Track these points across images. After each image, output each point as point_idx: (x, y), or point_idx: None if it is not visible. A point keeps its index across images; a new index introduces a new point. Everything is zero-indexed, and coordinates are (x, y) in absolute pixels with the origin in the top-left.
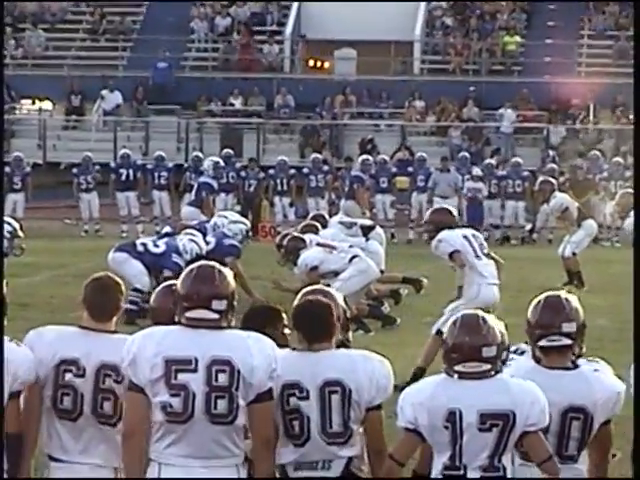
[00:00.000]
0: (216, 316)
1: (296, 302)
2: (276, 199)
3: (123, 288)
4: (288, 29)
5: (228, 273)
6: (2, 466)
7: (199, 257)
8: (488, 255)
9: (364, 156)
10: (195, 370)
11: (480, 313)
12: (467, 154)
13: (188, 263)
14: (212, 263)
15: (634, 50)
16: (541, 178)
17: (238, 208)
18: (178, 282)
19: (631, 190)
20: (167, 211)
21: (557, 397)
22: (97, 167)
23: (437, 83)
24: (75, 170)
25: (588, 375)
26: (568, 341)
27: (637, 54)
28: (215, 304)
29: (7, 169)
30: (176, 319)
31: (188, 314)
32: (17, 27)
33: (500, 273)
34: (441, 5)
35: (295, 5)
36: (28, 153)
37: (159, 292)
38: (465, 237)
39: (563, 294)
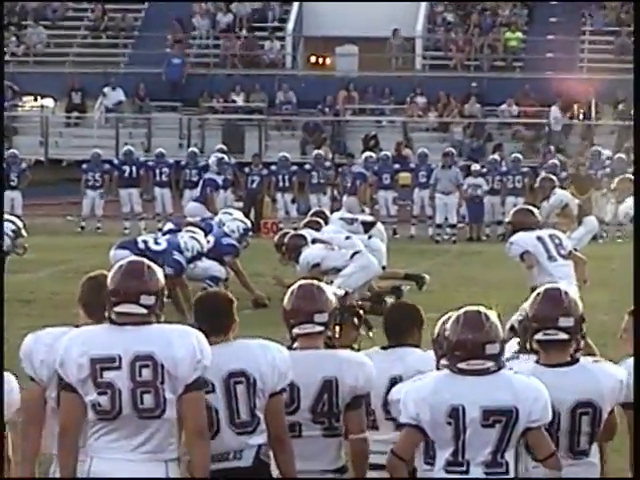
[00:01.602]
0: (144, 311)
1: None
2: (278, 195)
3: None
4: (290, 25)
5: (158, 269)
6: (2, 466)
7: (200, 254)
8: (569, 255)
9: (368, 153)
10: (119, 367)
11: (482, 310)
12: (452, 150)
13: (189, 260)
14: (142, 259)
15: (634, 48)
16: (542, 175)
17: (238, 204)
18: (108, 277)
19: (630, 176)
20: (169, 208)
21: (563, 395)
22: (107, 165)
23: (439, 79)
24: (84, 166)
25: (590, 367)
26: (565, 336)
27: (637, 52)
28: (143, 299)
29: (3, 165)
30: (106, 315)
31: (116, 309)
32: (19, 24)
33: (582, 271)
34: (442, 1)
35: (296, 1)
36: (30, 150)
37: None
38: (539, 238)
39: (563, 287)
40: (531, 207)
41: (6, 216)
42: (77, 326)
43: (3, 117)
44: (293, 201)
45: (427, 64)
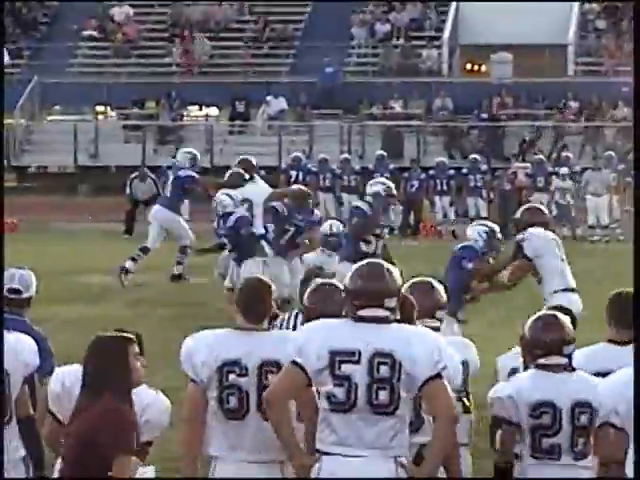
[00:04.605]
0: (387, 314)
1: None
2: (436, 199)
3: (274, 289)
4: (446, 34)
5: (394, 269)
6: (2, 465)
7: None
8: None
9: (537, 156)
10: (358, 362)
11: (558, 313)
12: (612, 153)
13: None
14: (380, 261)
15: (634, 48)
16: None
17: (397, 208)
18: (347, 279)
19: None
20: (332, 212)
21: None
22: (262, 172)
23: (591, 84)
24: None
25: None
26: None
27: (637, 52)
28: (387, 302)
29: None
30: (343, 312)
31: (360, 312)
32: (183, 35)
33: None
34: (594, 8)
35: (452, 10)
36: None
37: (316, 293)
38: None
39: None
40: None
41: None
42: (236, 328)
43: (3, 120)
44: (451, 204)
45: (579, 70)
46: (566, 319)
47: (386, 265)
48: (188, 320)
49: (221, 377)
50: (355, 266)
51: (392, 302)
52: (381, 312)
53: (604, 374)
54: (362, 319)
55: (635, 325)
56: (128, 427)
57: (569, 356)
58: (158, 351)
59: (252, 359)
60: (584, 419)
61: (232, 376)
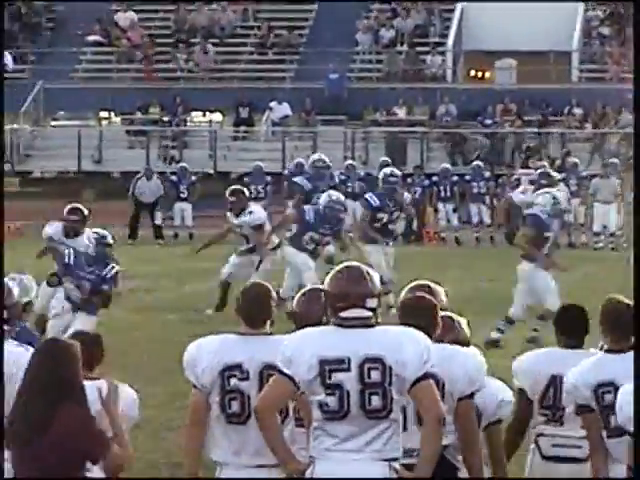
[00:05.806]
0: (370, 314)
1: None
2: (440, 205)
3: (274, 294)
4: (450, 41)
5: (374, 273)
6: (2, 465)
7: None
8: None
9: (540, 163)
10: (348, 369)
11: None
12: (617, 160)
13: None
14: (358, 264)
15: (634, 50)
16: None
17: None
18: (326, 283)
19: None
20: None
21: None
22: (268, 177)
23: (595, 91)
24: (246, 179)
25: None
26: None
27: (637, 53)
28: (369, 302)
29: (174, 178)
30: (324, 319)
31: (343, 314)
32: (188, 41)
33: None
34: (598, 15)
35: (457, 17)
36: (199, 163)
37: (303, 298)
38: None
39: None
40: None
41: None
42: (237, 333)
43: (3, 127)
44: (454, 210)
45: (583, 76)
46: (462, 322)
47: (365, 268)
48: (197, 326)
49: (223, 382)
50: (334, 269)
51: (374, 302)
52: (364, 312)
53: (607, 384)
54: (345, 321)
55: (636, 331)
56: (101, 431)
57: None
58: (170, 355)
59: (253, 363)
60: None
61: (234, 380)
